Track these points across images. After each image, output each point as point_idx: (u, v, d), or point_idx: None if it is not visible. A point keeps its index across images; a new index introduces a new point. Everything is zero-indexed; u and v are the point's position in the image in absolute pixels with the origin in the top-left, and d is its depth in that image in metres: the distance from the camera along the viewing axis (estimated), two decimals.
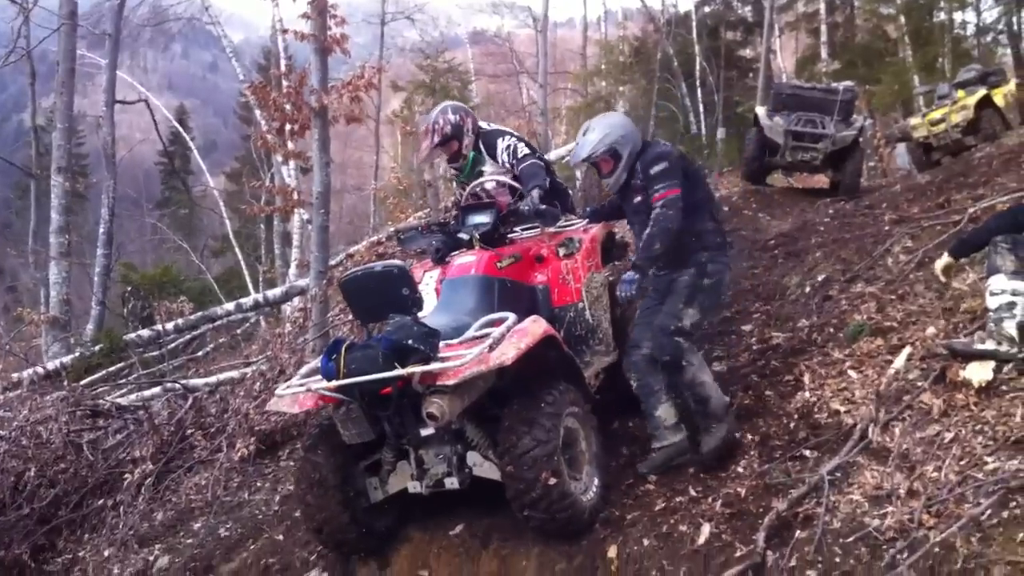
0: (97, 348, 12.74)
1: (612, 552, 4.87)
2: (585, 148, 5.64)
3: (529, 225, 6.37)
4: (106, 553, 7.07)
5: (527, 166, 6.31)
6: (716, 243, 5.60)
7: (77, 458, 7.93)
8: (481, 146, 6.62)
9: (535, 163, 6.36)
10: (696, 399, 5.37)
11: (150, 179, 48.84)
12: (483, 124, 6.73)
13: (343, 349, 4.69)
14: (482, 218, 6.06)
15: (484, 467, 5.09)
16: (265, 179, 24.15)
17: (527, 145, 6.62)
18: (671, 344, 5.33)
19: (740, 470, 5.16)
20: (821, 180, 14.32)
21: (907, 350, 5.58)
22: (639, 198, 5.59)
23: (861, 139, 12.32)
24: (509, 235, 6.31)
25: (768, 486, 4.99)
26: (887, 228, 8.19)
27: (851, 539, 4.23)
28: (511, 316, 5.03)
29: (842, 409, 5.47)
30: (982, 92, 12.71)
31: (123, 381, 11.10)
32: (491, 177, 6.48)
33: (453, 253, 6.17)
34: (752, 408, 5.92)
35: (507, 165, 6.48)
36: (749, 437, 5.55)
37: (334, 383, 4.65)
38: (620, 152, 5.56)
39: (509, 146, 6.47)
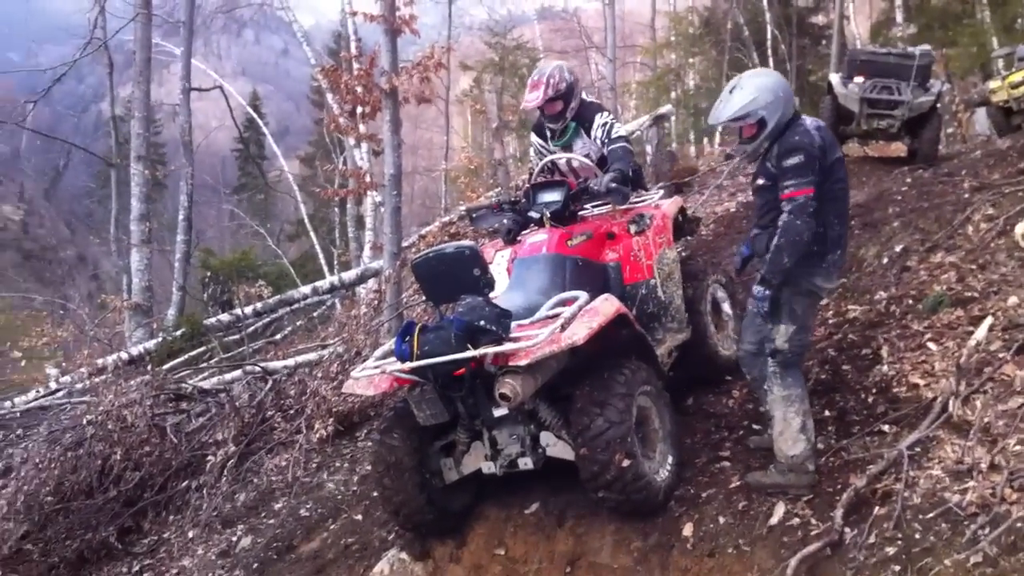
0: (179, 333, 13.06)
1: (688, 530, 4.86)
2: (729, 108, 4.87)
3: (600, 203, 6.32)
4: (190, 534, 7.27)
5: (618, 147, 6.18)
6: (809, 250, 4.78)
7: (161, 441, 8.13)
8: (579, 117, 6.41)
9: (625, 147, 6.23)
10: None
11: (226, 165, 49.69)
12: (584, 95, 6.50)
13: (416, 331, 4.73)
14: (552, 196, 6.04)
15: (558, 447, 5.10)
16: (338, 162, 24.40)
17: (621, 126, 6.48)
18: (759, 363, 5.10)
19: (818, 446, 5.08)
20: (898, 148, 14.00)
21: (988, 320, 5.45)
22: (763, 180, 4.97)
23: (939, 105, 12.00)
24: (580, 213, 6.28)
25: (846, 462, 4.93)
26: (967, 196, 7.99)
27: (931, 515, 4.16)
28: (583, 295, 5.03)
29: (921, 382, 5.37)
30: None
31: (204, 365, 11.36)
32: (575, 156, 6.38)
33: (524, 232, 6.16)
34: (829, 383, 5.85)
35: (599, 143, 6.31)
36: (826, 413, 5.49)
37: (408, 365, 4.70)
38: (767, 120, 4.80)
39: (606, 124, 6.28)
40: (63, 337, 15.61)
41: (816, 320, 6.16)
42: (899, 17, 25.42)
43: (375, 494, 5.95)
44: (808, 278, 4.85)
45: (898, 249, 7.40)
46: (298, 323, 16.34)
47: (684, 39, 32.11)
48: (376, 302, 11.21)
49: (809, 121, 4.89)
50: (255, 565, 6.37)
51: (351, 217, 23.25)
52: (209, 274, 18.25)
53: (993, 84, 13.49)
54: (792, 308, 4.86)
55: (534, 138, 6.76)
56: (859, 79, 12.00)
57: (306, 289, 15.72)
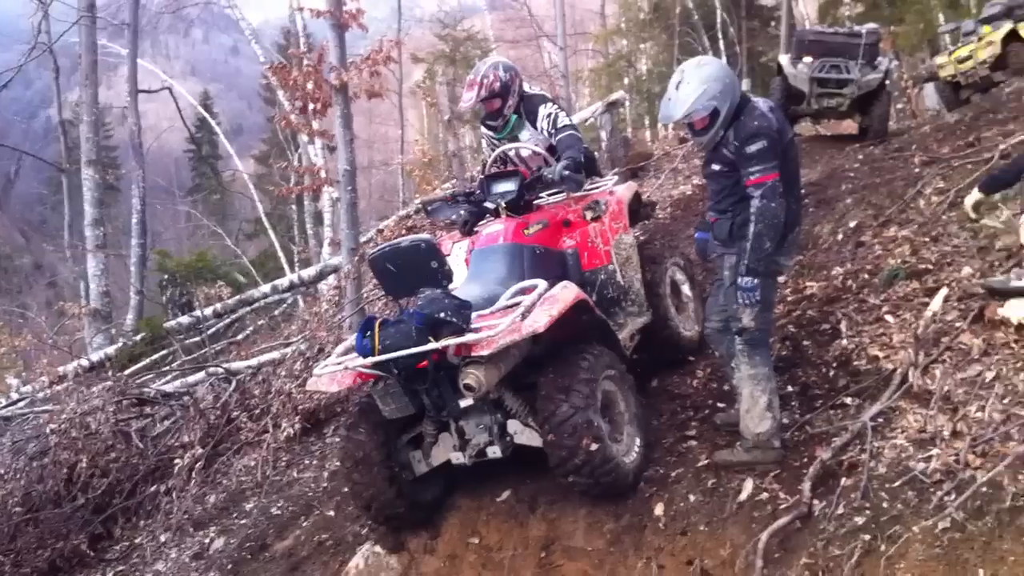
0: (139, 337, 12.95)
1: (659, 510, 4.91)
2: (680, 106, 4.80)
3: (554, 191, 6.32)
4: (163, 538, 7.23)
5: (565, 136, 6.18)
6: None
7: (127, 446, 8.08)
8: (522, 110, 6.39)
9: (573, 134, 6.21)
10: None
11: (180, 167, 49.16)
12: (527, 87, 6.50)
13: (376, 326, 4.72)
14: (507, 186, 6.04)
15: (525, 435, 5.11)
16: (292, 160, 24.25)
17: (567, 115, 6.49)
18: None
19: (783, 421, 5.14)
20: (849, 126, 14.19)
21: (944, 291, 5.53)
22: (719, 167, 4.96)
23: (888, 82, 12.16)
24: (535, 202, 6.29)
25: (811, 436, 5.01)
26: (918, 170, 8.11)
27: (898, 484, 4.23)
28: (542, 283, 5.04)
29: (881, 355, 5.45)
30: (1008, 26, 12.42)
31: (166, 368, 11.25)
32: (524, 145, 6.39)
33: (480, 223, 6.17)
34: (790, 358, 5.93)
35: (546, 133, 6.30)
36: (789, 388, 5.56)
37: (370, 360, 4.69)
38: (719, 109, 4.77)
39: (550, 114, 6.26)
40: (22, 346, 15.45)
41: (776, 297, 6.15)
42: None
43: (346, 490, 5.95)
44: (771, 259, 4.86)
45: (852, 225, 7.49)
46: (259, 323, 16.24)
47: (634, 25, 32.26)
48: (337, 298, 11.18)
49: (762, 103, 4.90)
50: (229, 566, 6.35)
51: (309, 214, 23.16)
52: (167, 276, 18.02)
53: (940, 59, 13.70)
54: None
55: (484, 129, 6.75)
56: (808, 59, 12.13)
57: (266, 288, 15.64)
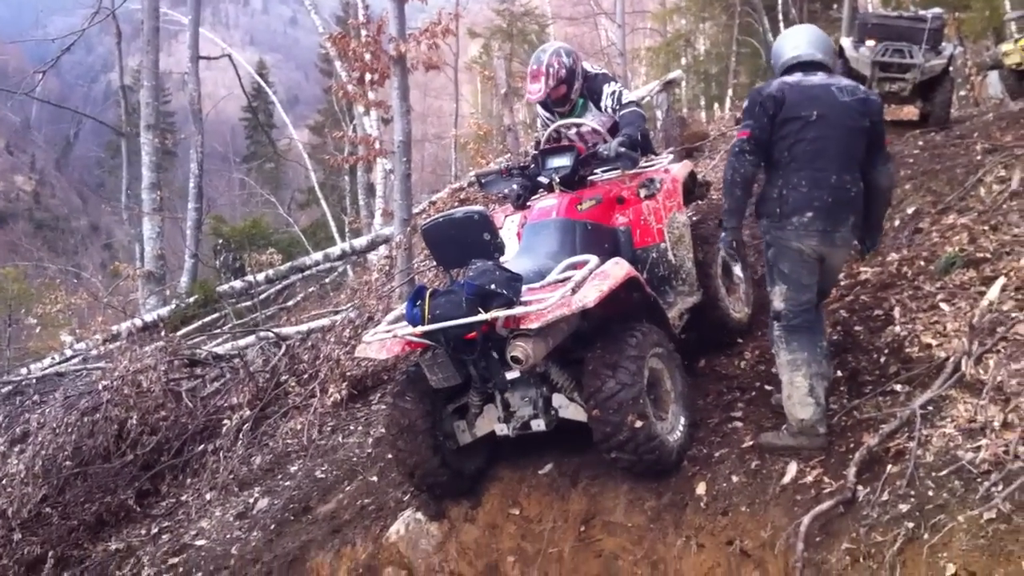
0: (192, 300, 13.16)
1: (701, 489, 4.90)
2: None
3: (609, 167, 6.28)
4: (208, 496, 7.36)
5: (628, 112, 6.15)
6: (775, 212, 4.91)
7: (177, 406, 8.24)
8: (585, 91, 6.36)
9: (636, 111, 6.19)
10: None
11: (236, 134, 49.65)
12: (587, 67, 6.44)
13: (427, 295, 4.76)
14: (561, 161, 6.03)
15: (570, 409, 5.14)
16: (347, 130, 24.34)
17: (630, 92, 6.43)
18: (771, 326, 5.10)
19: (832, 406, 5.11)
20: (910, 111, 13.89)
21: (1001, 281, 5.45)
22: None
23: (951, 68, 11.88)
24: (589, 178, 6.28)
25: (858, 422, 4.96)
26: (979, 158, 7.95)
27: (944, 472, 4.19)
28: (593, 258, 5.04)
29: (934, 343, 5.38)
30: None
31: (218, 331, 11.44)
32: (583, 121, 6.35)
33: (534, 197, 6.17)
34: (841, 343, 5.86)
35: (611, 111, 6.28)
36: (838, 373, 5.50)
37: (419, 329, 4.72)
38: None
39: (614, 92, 6.25)
40: (77, 305, 15.75)
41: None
42: None
43: (389, 456, 6.01)
44: (782, 239, 4.90)
45: (910, 211, 7.38)
46: (310, 290, 16.42)
47: (694, 4, 31.82)
48: (387, 268, 11.24)
49: (786, 78, 4.99)
50: (272, 526, 6.45)
51: (361, 185, 23.25)
52: (221, 241, 18.32)
53: (1006, 47, 13.34)
54: (779, 268, 4.94)
55: (541, 110, 6.72)
56: (870, 43, 11.88)
57: (318, 255, 15.82)
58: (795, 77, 4.94)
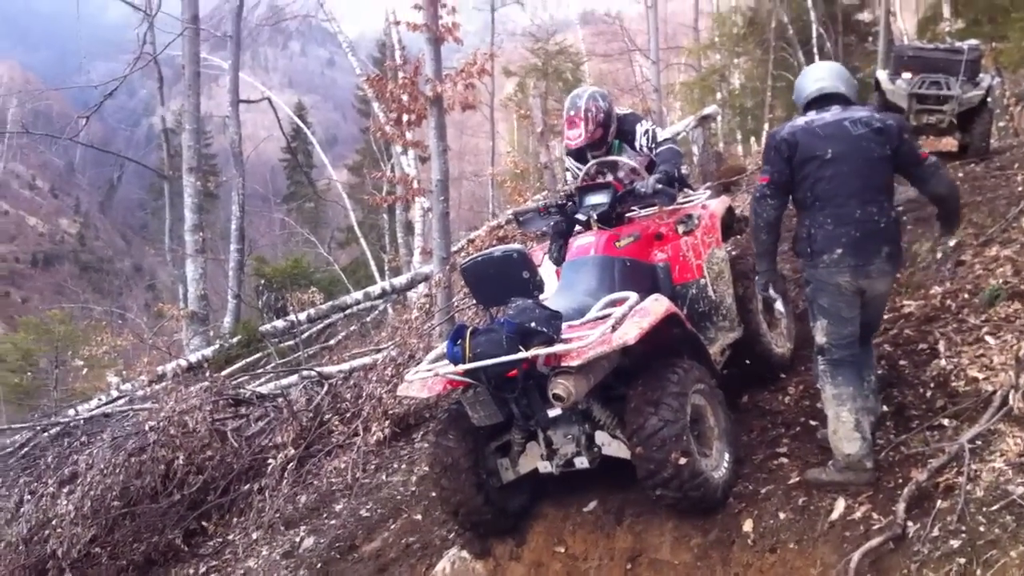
0: (235, 340, 13.31)
1: (748, 526, 4.86)
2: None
3: (647, 204, 6.28)
4: (254, 535, 7.39)
5: (664, 150, 6.19)
6: (807, 251, 4.97)
7: (222, 445, 8.31)
8: (618, 133, 6.39)
9: (672, 148, 6.25)
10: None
11: (276, 175, 50.37)
12: (617, 109, 6.48)
13: (468, 334, 4.78)
14: (599, 198, 6.05)
15: (613, 446, 5.13)
16: (385, 169, 24.60)
17: (663, 130, 6.45)
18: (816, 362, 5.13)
19: (878, 441, 5.06)
20: (949, 143, 13.81)
21: None
22: None
23: (989, 99, 11.79)
24: (627, 215, 6.30)
25: (906, 457, 4.90)
26: (1020, 189, 7.90)
27: (995, 508, 4.13)
28: (633, 295, 5.05)
29: (980, 376, 5.32)
30: None
31: (261, 370, 11.52)
32: (620, 159, 6.36)
33: (572, 235, 6.19)
34: (886, 378, 5.80)
35: (646, 150, 6.32)
36: (884, 408, 5.44)
37: (460, 367, 4.75)
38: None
39: (647, 131, 6.30)
40: (123, 346, 15.95)
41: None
42: (946, 12, 24.96)
43: (434, 494, 6.02)
44: (817, 276, 4.93)
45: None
46: (351, 328, 16.52)
47: (728, 39, 31.83)
48: (427, 306, 11.31)
49: (798, 120, 5.05)
50: (319, 565, 6.47)
51: (400, 223, 23.44)
52: (263, 282, 18.51)
53: None
54: (819, 303, 4.96)
55: (570, 162, 6.73)
56: (907, 75, 11.85)
57: (358, 294, 15.93)
58: (808, 116, 4.99)
